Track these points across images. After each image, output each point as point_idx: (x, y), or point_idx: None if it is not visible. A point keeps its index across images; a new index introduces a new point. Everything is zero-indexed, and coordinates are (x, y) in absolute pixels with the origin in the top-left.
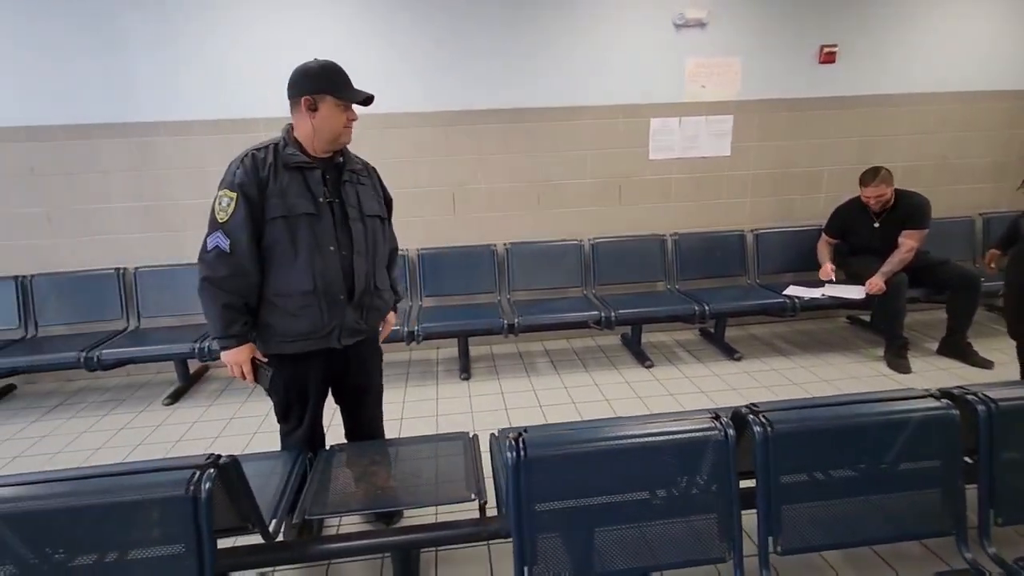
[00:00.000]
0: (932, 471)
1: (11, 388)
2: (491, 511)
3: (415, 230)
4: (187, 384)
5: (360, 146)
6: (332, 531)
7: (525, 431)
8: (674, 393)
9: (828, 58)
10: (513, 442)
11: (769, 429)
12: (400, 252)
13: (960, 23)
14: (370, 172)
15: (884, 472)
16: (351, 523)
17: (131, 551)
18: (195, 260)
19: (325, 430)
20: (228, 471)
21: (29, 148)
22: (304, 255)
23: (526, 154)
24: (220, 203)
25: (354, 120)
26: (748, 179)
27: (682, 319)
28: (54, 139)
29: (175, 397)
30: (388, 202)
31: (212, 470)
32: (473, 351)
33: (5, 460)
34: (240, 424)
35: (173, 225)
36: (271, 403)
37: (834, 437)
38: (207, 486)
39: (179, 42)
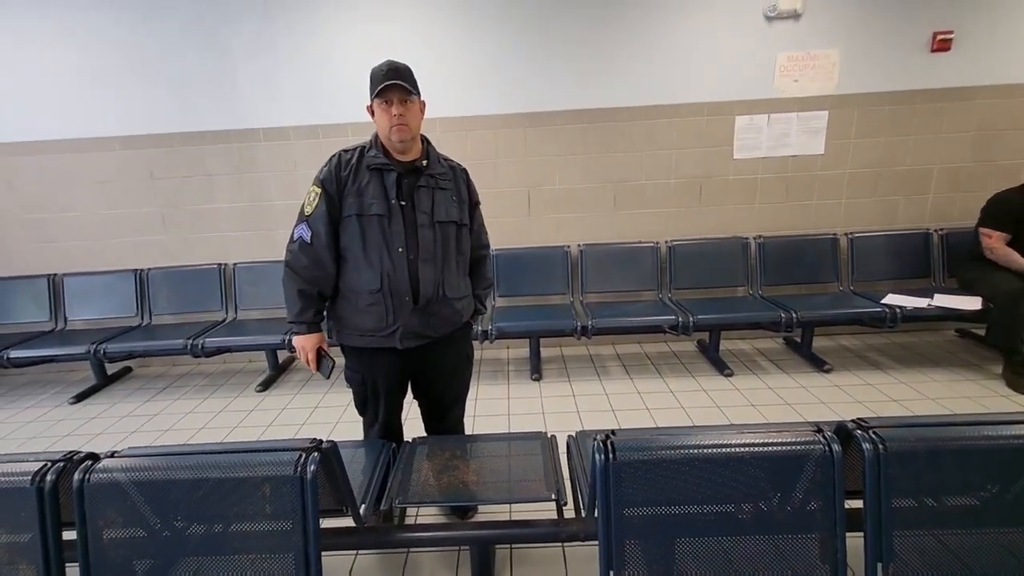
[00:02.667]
0: None
1: (128, 370)
2: (567, 513)
3: (490, 230)
4: (276, 373)
5: (438, 148)
6: (410, 521)
7: (613, 433)
8: (756, 404)
9: (942, 46)
10: (602, 444)
11: (881, 447)
12: None
13: None
14: (456, 175)
15: (1013, 502)
16: (427, 514)
17: (244, 523)
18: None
19: (403, 425)
20: (329, 456)
21: (150, 154)
22: (374, 254)
23: (603, 154)
24: (309, 197)
25: (398, 115)
26: (844, 179)
27: (766, 327)
28: (170, 145)
29: (266, 385)
30: (474, 205)
31: (316, 453)
32: (544, 352)
33: (125, 434)
34: (324, 413)
35: (267, 224)
36: (352, 395)
37: (955, 460)
38: (312, 468)
39: (277, 52)
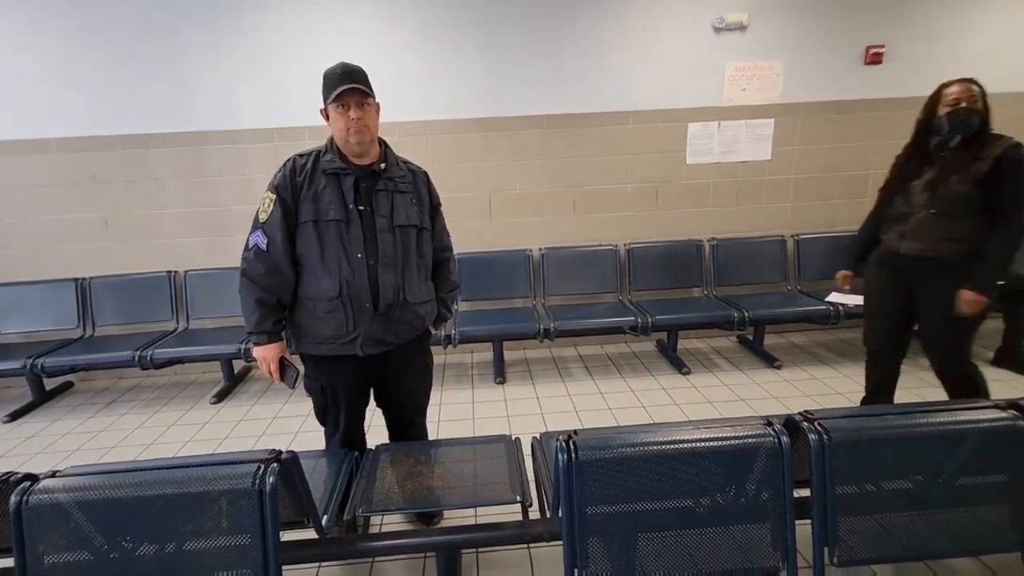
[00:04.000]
0: (997, 485)
1: (69, 385)
2: (532, 514)
3: (452, 235)
4: (232, 384)
5: (400, 151)
6: (374, 530)
7: (575, 433)
8: (713, 401)
9: (875, 59)
10: (564, 444)
11: (825, 437)
12: None
13: (1013, 22)
14: (416, 178)
15: (944, 485)
16: (392, 522)
17: (199, 540)
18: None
19: (366, 433)
20: (289, 467)
21: (91, 157)
22: (332, 260)
23: (563, 159)
24: (263, 203)
25: (356, 119)
26: (790, 183)
27: (720, 326)
28: (114, 148)
29: (221, 396)
30: (435, 208)
31: (275, 464)
32: (507, 355)
33: (66, 453)
34: (283, 423)
35: (221, 230)
36: (312, 404)
37: (893, 448)
38: (271, 480)
39: (233, 56)
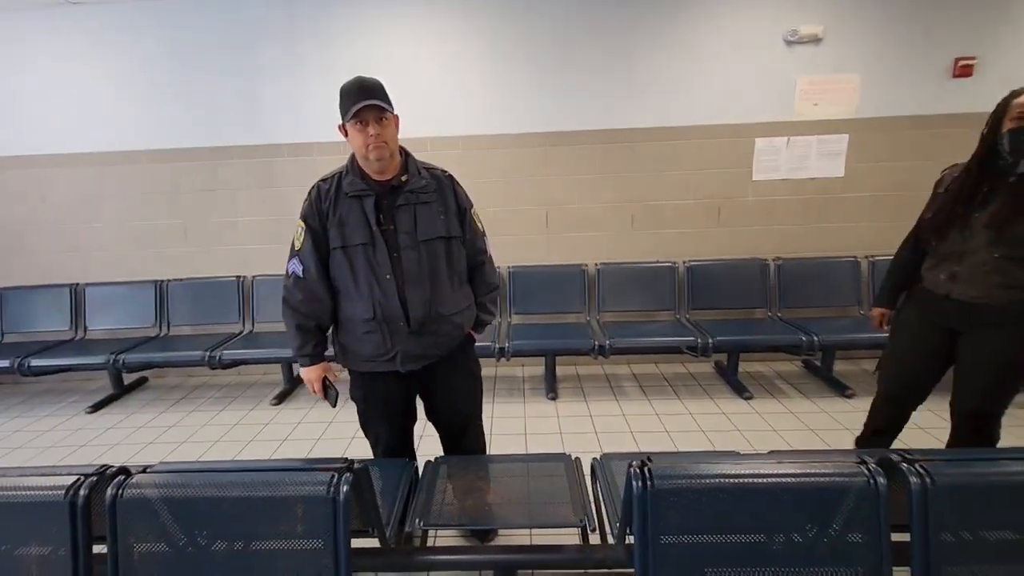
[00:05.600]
0: None
1: (144, 380)
2: (591, 537)
3: (508, 248)
4: (291, 386)
5: (460, 165)
6: (429, 542)
7: (650, 459)
8: (779, 429)
9: (964, 71)
10: (639, 470)
11: (929, 481)
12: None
13: None
14: (441, 184)
15: None
16: (445, 536)
17: (274, 541)
18: None
19: (415, 449)
20: (360, 477)
21: (176, 168)
22: (363, 284)
23: (622, 174)
24: (296, 232)
25: (375, 135)
26: (864, 202)
27: (786, 349)
28: (196, 159)
29: (281, 398)
30: (463, 211)
31: (349, 474)
32: (559, 370)
33: (141, 446)
34: (338, 428)
35: (287, 238)
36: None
37: (1005, 495)
38: (345, 488)
39: (303, 71)
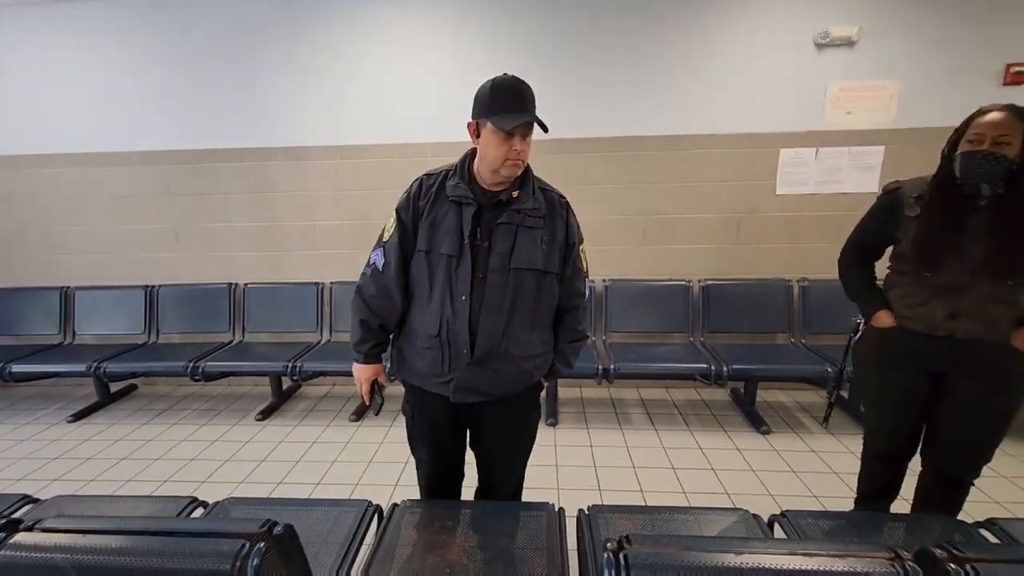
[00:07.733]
0: None
1: (133, 388)
2: None
3: None
4: (279, 400)
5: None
6: None
7: (628, 542)
8: (799, 471)
9: (1016, 79)
10: (613, 556)
11: None
12: None
13: None
14: (554, 210)
15: None
16: None
17: None
18: (297, 280)
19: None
20: (283, 542)
21: (168, 170)
22: (437, 297)
23: (632, 184)
24: (388, 222)
25: (518, 151)
26: None
27: (809, 380)
28: (188, 162)
29: (266, 413)
30: (571, 247)
31: (262, 544)
32: (561, 392)
33: (112, 461)
34: (322, 449)
35: (279, 245)
36: (353, 429)
37: None
38: (255, 563)
39: (302, 73)
